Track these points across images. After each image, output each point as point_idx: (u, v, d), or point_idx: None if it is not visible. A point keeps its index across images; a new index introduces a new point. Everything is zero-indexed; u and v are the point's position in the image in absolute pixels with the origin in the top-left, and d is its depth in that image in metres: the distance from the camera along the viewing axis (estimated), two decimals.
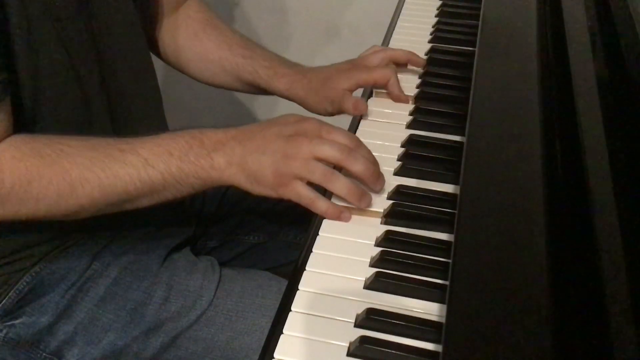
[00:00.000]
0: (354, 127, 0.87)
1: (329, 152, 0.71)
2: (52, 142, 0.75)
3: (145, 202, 0.77)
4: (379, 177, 0.74)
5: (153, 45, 1.04)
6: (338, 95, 0.91)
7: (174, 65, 1.07)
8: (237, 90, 1.06)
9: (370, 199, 0.73)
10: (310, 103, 0.96)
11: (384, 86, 0.92)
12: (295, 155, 0.71)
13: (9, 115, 0.74)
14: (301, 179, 0.71)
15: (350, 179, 0.72)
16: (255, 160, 0.72)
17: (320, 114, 0.96)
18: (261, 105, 2.00)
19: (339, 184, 0.71)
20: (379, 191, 0.74)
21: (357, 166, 0.72)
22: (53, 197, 0.73)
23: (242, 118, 2.02)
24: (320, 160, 0.71)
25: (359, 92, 0.95)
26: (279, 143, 0.72)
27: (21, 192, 0.72)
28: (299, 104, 0.98)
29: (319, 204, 0.71)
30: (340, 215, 0.71)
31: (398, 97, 0.91)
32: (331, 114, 0.95)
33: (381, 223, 0.71)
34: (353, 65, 0.95)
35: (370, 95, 0.93)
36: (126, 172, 0.73)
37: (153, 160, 0.74)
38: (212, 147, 0.74)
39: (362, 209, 0.72)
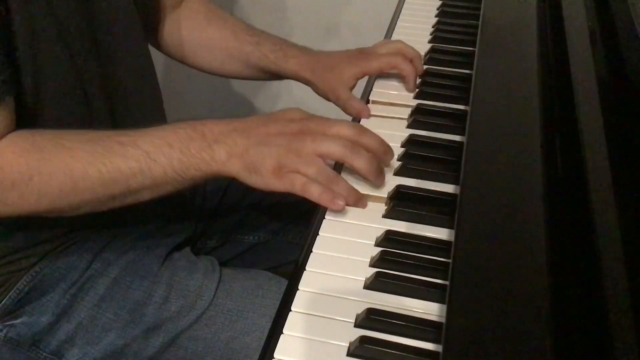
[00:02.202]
0: None
1: (332, 148, 0.71)
2: (52, 136, 0.74)
3: (147, 195, 0.76)
4: (379, 174, 0.74)
5: (155, 39, 1.04)
6: (343, 83, 0.92)
7: (178, 58, 1.07)
8: (245, 77, 1.07)
9: (366, 204, 0.73)
10: (317, 86, 0.96)
11: (394, 70, 0.92)
12: (298, 151, 0.71)
13: (12, 112, 0.74)
14: (300, 173, 0.71)
15: (349, 185, 0.73)
16: (257, 151, 0.72)
17: (325, 98, 0.97)
18: (261, 102, 2.00)
19: (340, 188, 0.71)
20: (379, 186, 0.75)
21: (359, 163, 0.72)
22: (55, 192, 0.73)
23: (242, 115, 2.02)
24: (323, 157, 0.71)
25: (360, 90, 0.95)
26: (283, 138, 0.72)
27: (23, 188, 0.72)
28: (307, 85, 0.98)
29: (312, 189, 0.71)
30: (333, 201, 0.71)
31: (410, 79, 0.92)
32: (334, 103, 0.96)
33: (382, 216, 0.71)
34: (361, 52, 0.95)
35: (370, 94, 0.93)
36: (127, 165, 0.73)
37: (154, 153, 0.73)
38: (214, 138, 0.73)
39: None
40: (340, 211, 0.71)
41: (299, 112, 0.76)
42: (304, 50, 0.99)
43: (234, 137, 0.73)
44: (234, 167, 0.72)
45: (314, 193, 0.71)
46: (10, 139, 0.73)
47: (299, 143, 0.71)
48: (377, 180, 0.74)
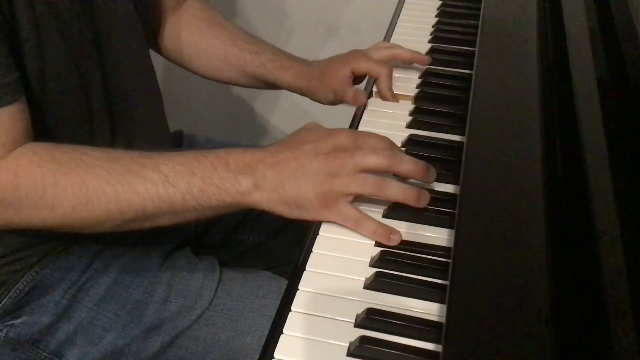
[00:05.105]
0: (354, 127, 0.87)
1: (375, 161, 0.68)
2: (72, 150, 0.72)
3: (165, 221, 0.74)
4: (428, 169, 0.71)
5: (155, 43, 1.04)
6: (338, 83, 0.93)
7: (176, 62, 1.07)
8: (241, 84, 1.08)
9: (428, 196, 0.69)
10: (314, 92, 0.97)
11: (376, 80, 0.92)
12: (340, 172, 0.68)
13: (27, 115, 0.73)
14: (350, 195, 0.69)
15: (400, 183, 0.70)
16: (294, 185, 0.68)
17: (323, 103, 0.99)
18: (261, 103, 2.00)
19: (394, 190, 0.69)
20: (432, 182, 0.72)
21: (406, 166, 0.70)
22: (67, 206, 0.71)
23: (241, 117, 2.02)
24: (366, 171, 0.69)
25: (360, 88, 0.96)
26: (318, 162, 0.68)
27: (36, 199, 0.70)
28: (304, 94, 1.00)
29: (367, 225, 0.68)
30: (389, 237, 0.68)
31: (385, 97, 0.91)
32: (333, 103, 0.97)
33: (383, 216, 0.71)
34: (352, 53, 0.97)
35: (370, 95, 0.93)
36: (145, 188, 0.70)
37: (174, 178, 0.70)
38: (239, 170, 0.70)
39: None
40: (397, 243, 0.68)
41: (319, 128, 0.73)
42: (301, 61, 1.00)
43: (262, 171, 0.69)
44: (269, 203, 0.69)
45: (370, 229, 0.68)
46: (29, 148, 0.72)
47: (337, 163, 0.68)
48: (429, 177, 0.71)
